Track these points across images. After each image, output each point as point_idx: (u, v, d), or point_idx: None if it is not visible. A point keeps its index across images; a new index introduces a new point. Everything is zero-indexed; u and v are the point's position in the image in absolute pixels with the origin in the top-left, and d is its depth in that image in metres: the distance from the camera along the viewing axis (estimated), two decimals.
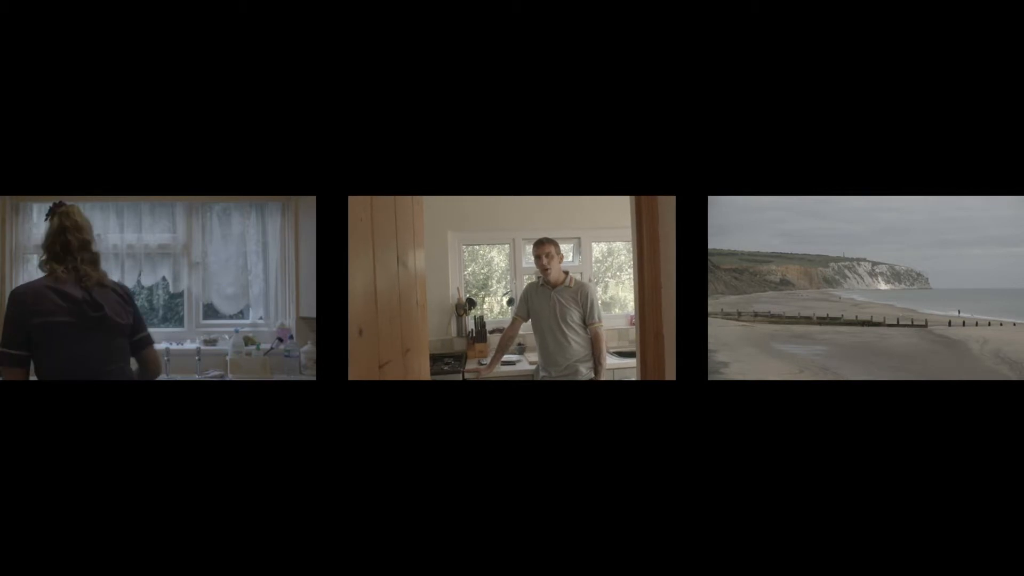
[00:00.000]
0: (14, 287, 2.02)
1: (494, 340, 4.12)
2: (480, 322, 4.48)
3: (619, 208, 2.68)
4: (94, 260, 2.05)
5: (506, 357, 3.96)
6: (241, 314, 3.96)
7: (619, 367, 3.94)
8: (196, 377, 3.54)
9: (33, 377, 1.99)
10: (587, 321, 3.42)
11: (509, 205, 4.58)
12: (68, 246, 1.99)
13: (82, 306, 1.95)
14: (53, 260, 1.99)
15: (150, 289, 3.95)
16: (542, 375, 3.52)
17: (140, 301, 3.79)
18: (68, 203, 2.09)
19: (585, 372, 3.41)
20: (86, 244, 2.03)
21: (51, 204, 2.08)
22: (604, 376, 3.46)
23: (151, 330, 2.24)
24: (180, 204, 3.83)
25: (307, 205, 3.64)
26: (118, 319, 2.03)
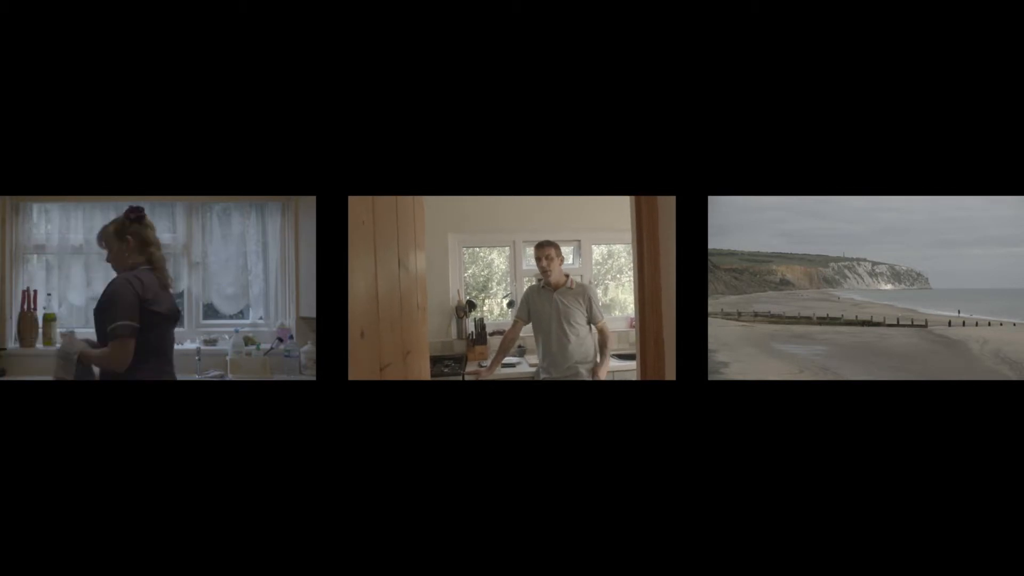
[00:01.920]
0: (117, 275, 2.29)
1: (494, 342, 4.12)
2: (480, 324, 4.47)
3: (619, 210, 2.68)
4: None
5: (506, 359, 3.95)
6: (241, 314, 3.95)
7: (619, 369, 3.94)
8: (196, 377, 3.53)
9: None
10: (592, 320, 3.46)
11: (509, 207, 4.57)
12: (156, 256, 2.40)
13: (172, 303, 2.39)
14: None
15: None
16: (543, 376, 3.52)
17: None
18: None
19: (585, 373, 3.42)
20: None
21: (131, 211, 2.38)
22: (604, 376, 3.47)
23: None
24: (180, 204, 3.83)
25: (307, 205, 3.64)
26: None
